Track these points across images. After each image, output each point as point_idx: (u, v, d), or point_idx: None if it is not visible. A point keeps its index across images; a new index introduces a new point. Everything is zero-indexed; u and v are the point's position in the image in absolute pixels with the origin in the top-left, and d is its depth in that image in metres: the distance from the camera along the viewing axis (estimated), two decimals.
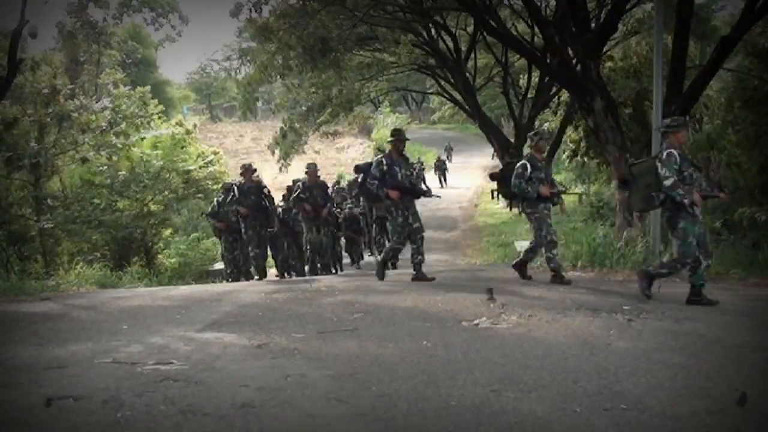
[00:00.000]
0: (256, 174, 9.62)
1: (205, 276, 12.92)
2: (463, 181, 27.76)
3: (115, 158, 13.63)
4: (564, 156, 16.24)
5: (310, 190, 9.37)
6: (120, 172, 13.62)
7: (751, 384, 3.28)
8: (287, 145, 17.22)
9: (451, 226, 18.73)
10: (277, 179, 17.72)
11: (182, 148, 15.40)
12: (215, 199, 10.52)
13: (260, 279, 9.22)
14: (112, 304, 6.08)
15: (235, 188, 9.08)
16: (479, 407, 2.89)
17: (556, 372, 3.40)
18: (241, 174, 9.29)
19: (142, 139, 14.97)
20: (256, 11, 11.92)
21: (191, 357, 3.78)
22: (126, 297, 6.69)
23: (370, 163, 7.02)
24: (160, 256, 14.17)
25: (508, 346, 3.96)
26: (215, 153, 17.17)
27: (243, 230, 9.08)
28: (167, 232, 14.62)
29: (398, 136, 7.07)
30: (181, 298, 6.48)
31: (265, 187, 9.46)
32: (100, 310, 5.78)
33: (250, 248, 9.10)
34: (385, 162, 6.82)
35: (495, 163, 26.58)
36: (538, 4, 12.25)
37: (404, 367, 3.52)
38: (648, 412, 2.82)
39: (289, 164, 17.66)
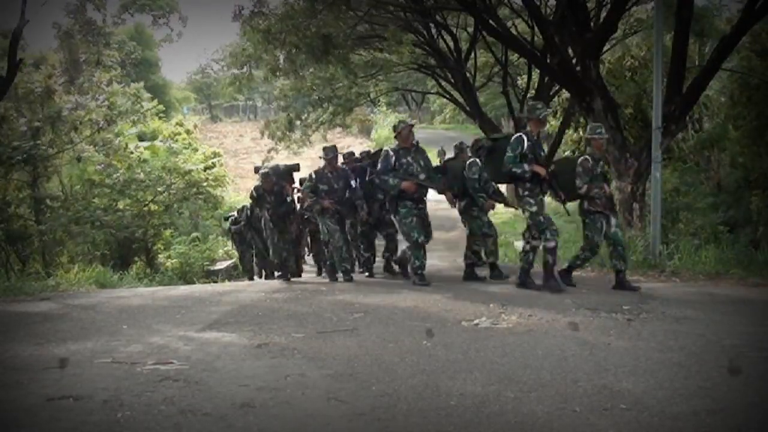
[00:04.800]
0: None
1: (206, 276, 12.93)
2: None
3: (111, 157, 13.61)
4: (564, 156, 16.25)
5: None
6: (119, 171, 13.61)
7: (751, 384, 3.28)
8: (283, 129, 16.90)
9: (450, 226, 18.65)
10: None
11: (178, 154, 15.37)
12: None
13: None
14: (112, 304, 6.08)
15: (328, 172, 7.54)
16: (479, 407, 2.89)
17: (556, 372, 3.40)
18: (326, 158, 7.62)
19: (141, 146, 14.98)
20: (257, 15, 11.87)
21: (191, 357, 3.78)
22: (126, 297, 6.69)
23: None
24: (160, 256, 14.16)
25: (508, 346, 3.96)
26: (217, 154, 17.12)
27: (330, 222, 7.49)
28: (167, 232, 14.62)
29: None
30: (181, 298, 6.48)
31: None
32: (100, 310, 5.77)
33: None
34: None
35: None
36: (538, 3, 12.23)
37: (404, 367, 3.52)
38: (648, 412, 2.82)
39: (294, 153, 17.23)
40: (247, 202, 12.52)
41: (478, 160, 6.97)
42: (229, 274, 12.59)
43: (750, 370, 3.54)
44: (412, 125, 6.91)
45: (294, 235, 8.64)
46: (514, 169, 5.94)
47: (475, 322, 4.68)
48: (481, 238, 7.23)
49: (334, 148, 7.67)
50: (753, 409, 2.92)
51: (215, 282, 11.25)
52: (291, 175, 8.57)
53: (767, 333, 4.61)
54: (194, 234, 15.00)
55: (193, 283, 11.63)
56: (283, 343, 4.11)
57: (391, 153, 6.67)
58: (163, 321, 5.00)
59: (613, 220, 6.36)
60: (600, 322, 4.65)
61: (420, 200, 6.71)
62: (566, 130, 14.64)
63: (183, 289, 7.88)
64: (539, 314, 4.89)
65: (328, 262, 7.97)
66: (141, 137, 16.75)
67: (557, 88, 14.62)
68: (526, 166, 5.92)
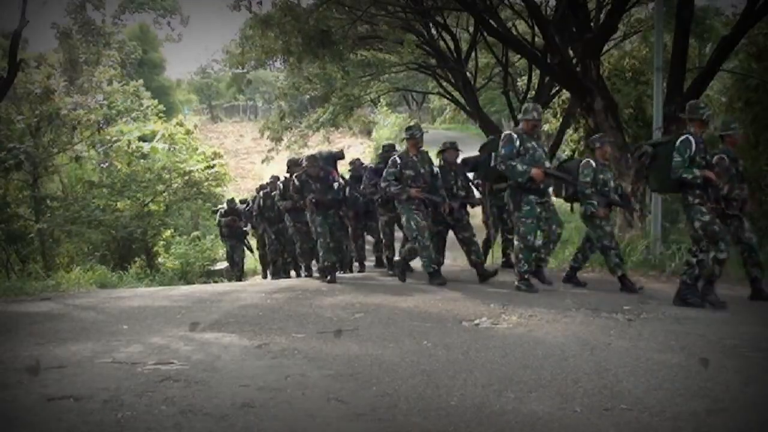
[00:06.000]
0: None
1: (206, 276, 12.93)
2: None
3: (112, 158, 13.62)
4: (564, 156, 16.23)
5: None
6: (119, 170, 13.62)
7: (751, 384, 3.28)
8: (281, 128, 16.82)
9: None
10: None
11: (179, 153, 15.37)
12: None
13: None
14: (112, 304, 6.08)
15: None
16: (479, 407, 2.89)
17: (556, 372, 3.40)
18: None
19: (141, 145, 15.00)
20: (257, 4, 12.02)
21: (191, 357, 3.78)
22: (126, 297, 6.69)
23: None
24: (161, 257, 14.16)
25: (508, 346, 3.96)
26: (217, 155, 17.13)
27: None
28: (167, 232, 14.63)
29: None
30: (181, 298, 6.48)
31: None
32: (100, 310, 5.78)
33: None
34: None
35: None
36: (539, 4, 12.23)
37: (404, 367, 3.52)
38: (648, 412, 2.82)
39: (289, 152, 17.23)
40: (247, 195, 12.55)
41: (590, 161, 6.44)
42: (230, 274, 12.58)
43: (750, 370, 3.55)
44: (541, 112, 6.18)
45: (343, 226, 8.19)
46: (684, 175, 5.29)
47: (476, 322, 4.68)
48: (599, 248, 6.60)
49: (419, 127, 6.95)
50: (753, 409, 2.92)
51: (215, 282, 11.25)
52: (336, 162, 8.16)
53: (767, 333, 4.62)
54: (194, 233, 15.02)
55: (194, 283, 11.63)
56: (283, 343, 4.11)
57: (515, 136, 5.94)
58: (164, 321, 5.00)
59: (746, 224, 5.86)
60: (601, 322, 4.65)
61: (544, 192, 6.06)
62: (566, 130, 14.64)
63: (183, 289, 7.88)
64: (539, 314, 4.89)
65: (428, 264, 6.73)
66: (143, 139, 16.78)
67: (557, 88, 14.63)
68: (697, 172, 5.28)
